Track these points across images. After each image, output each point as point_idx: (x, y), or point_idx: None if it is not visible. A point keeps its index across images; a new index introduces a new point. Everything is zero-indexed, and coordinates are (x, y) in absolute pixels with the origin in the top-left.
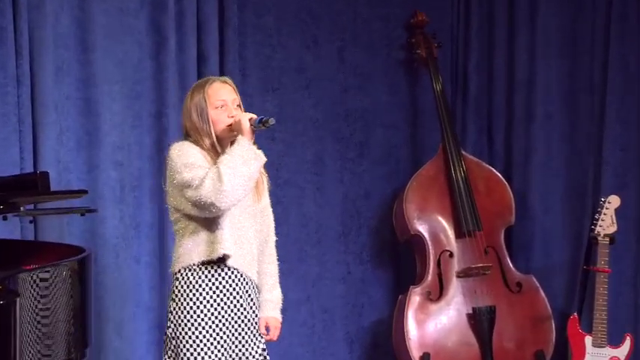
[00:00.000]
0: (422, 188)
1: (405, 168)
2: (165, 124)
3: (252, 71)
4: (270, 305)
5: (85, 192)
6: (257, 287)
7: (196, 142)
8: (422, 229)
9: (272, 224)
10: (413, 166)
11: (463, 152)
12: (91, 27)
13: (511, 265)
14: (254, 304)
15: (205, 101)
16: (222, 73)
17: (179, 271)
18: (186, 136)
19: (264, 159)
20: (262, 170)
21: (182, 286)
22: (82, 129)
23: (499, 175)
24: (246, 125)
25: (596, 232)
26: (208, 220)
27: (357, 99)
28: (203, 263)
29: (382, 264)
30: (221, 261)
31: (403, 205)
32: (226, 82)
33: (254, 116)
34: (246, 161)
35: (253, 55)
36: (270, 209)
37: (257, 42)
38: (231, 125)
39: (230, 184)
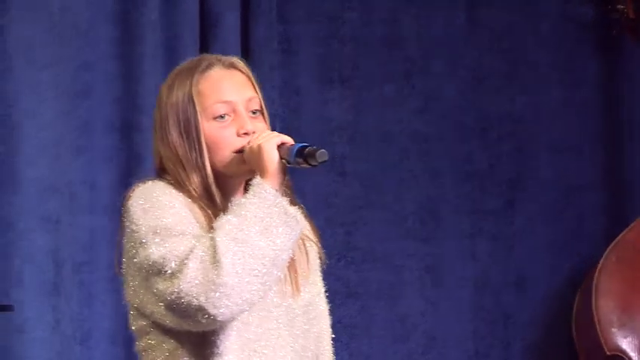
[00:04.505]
0: (629, 269)
1: (595, 230)
2: (139, 144)
3: (302, 44)
4: None
5: None
6: None
7: (177, 184)
8: (627, 345)
9: (328, 334)
10: (611, 228)
11: None
12: None
13: None
14: None
15: (194, 104)
16: (245, 49)
17: None
18: (160, 169)
19: (302, 224)
20: (306, 233)
21: None
22: None
23: None
24: (271, 157)
25: None
26: (198, 337)
27: (501, 98)
28: None
29: None
30: None
31: (592, 302)
32: (235, 67)
33: (289, 141)
34: (267, 229)
35: (306, 14)
36: (325, 306)
37: None
38: (242, 152)
39: (235, 272)
